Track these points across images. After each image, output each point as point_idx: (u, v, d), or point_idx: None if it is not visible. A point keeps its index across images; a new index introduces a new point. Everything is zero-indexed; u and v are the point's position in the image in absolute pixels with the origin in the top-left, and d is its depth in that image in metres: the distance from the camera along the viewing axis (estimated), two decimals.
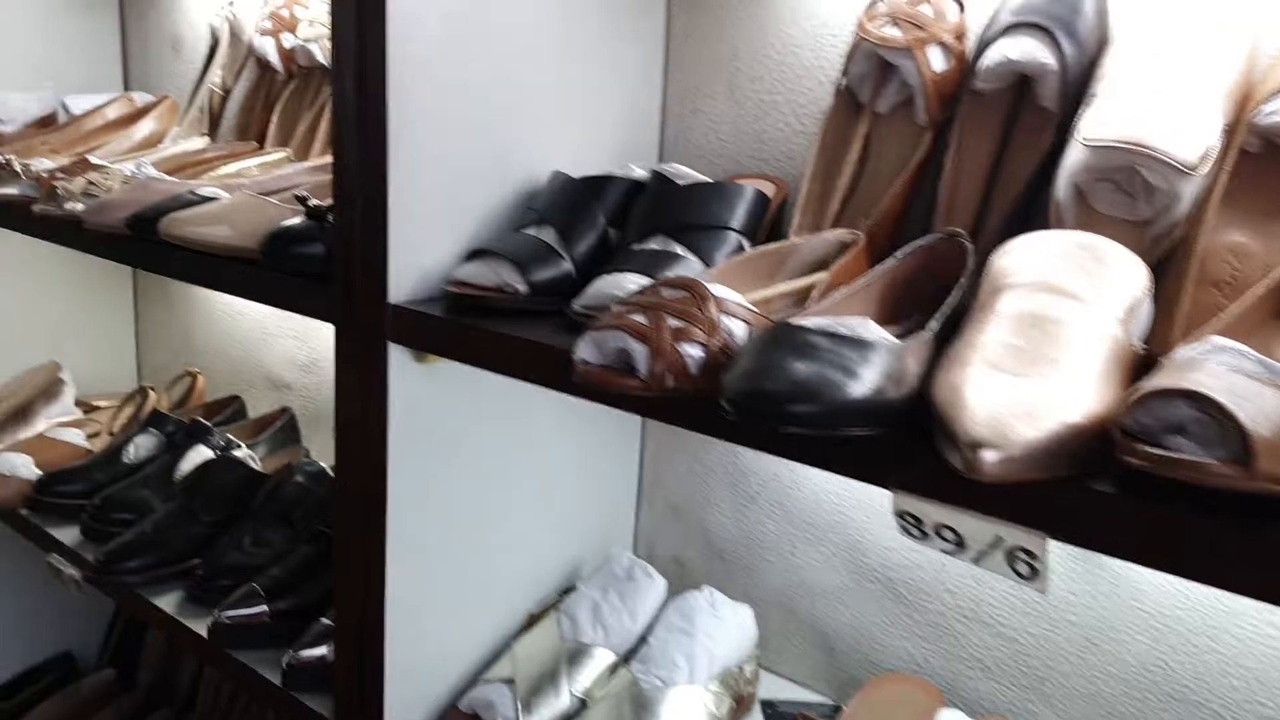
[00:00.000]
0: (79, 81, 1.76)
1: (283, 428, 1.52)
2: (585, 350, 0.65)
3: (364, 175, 0.87)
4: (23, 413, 1.67)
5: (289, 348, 1.63)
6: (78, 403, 1.74)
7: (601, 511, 1.18)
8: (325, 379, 1.58)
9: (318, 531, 1.23)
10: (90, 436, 1.64)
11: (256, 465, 1.37)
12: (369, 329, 0.90)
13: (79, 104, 1.64)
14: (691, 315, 0.64)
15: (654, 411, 0.67)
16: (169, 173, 1.30)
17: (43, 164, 1.33)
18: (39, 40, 1.72)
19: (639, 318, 0.64)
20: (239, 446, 1.43)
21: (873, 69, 0.89)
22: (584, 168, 1.00)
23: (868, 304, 0.71)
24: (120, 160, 1.41)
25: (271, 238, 0.94)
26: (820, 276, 0.78)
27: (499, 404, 1.00)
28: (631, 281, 0.79)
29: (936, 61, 0.85)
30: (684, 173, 0.89)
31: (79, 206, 1.19)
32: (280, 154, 1.35)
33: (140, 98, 1.63)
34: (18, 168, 1.33)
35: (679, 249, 0.84)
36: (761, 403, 0.54)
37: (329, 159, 1.27)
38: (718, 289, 0.66)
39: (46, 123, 1.67)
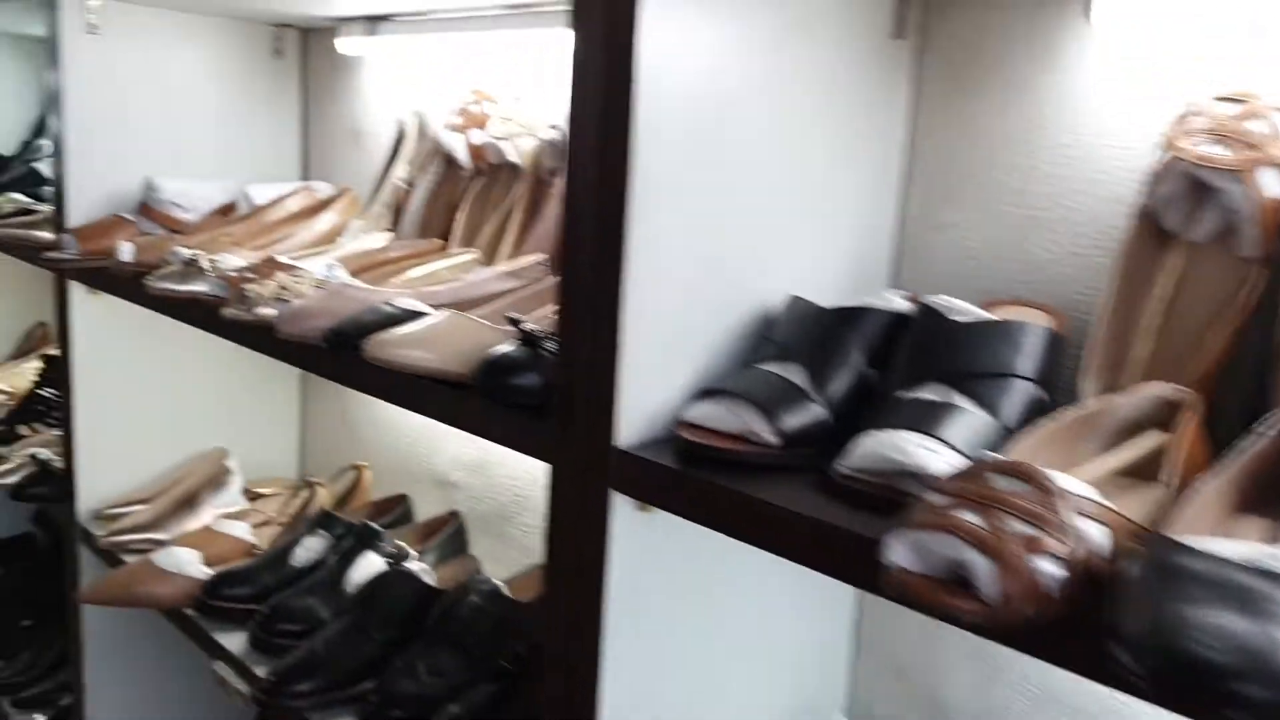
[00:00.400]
0: (259, 168, 1.77)
1: (452, 535, 1.45)
2: (901, 554, 0.54)
3: (598, 299, 0.78)
4: (190, 502, 1.66)
5: (457, 445, 1.57)
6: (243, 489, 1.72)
7: (810, 666, 1.06)
8: (493, 480, 1.51)
9: (498, 666, 1.14)
10: (256, 526, 1.60)
11: (429, 579, 1.30)
12: (592, 474, 0.81)
13: (260, 193, 1.63)
14: (1041, 518, 0.52)
15: (997, 637, 0.55)
16: (356, 273, 1.26)
17: (231, 261, 1.30)
18: (221, 127, 1.74)
19: (972, 518, 0.52)
20: (410, 556, 1.36)
21: (1185, 191, 0.76)
22: (812, 290, 0.90)
23: (1234, 500, 0.58)
24: (304, 255, 1.38)
25: (487, 367, 0.86)
26: (1150, 445, 0.66)
27: (712, 550, 0.90)
28: (911, 443, 0.67)
29: (1272, 186, 0.72)
30: (956, 306, 0.78)
31: (269, 311, 1.15)
32: (468, 255, 1.29)
33: (321, 188, 1.61)
34: (205, 265, 1.30)
35: (961, 400, 0.72)
36: (1194, 674, 0.41)
37: (521, 263, 1.21)
38: (1064, 480, 0.54)
39: (227, 211, 1.67)
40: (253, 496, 1.73)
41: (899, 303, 0.83)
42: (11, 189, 2.06)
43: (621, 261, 0.77)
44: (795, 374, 0.79)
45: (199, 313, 1.27)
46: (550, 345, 0.88)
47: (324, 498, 1.63)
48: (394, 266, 1.29)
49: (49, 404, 2.11)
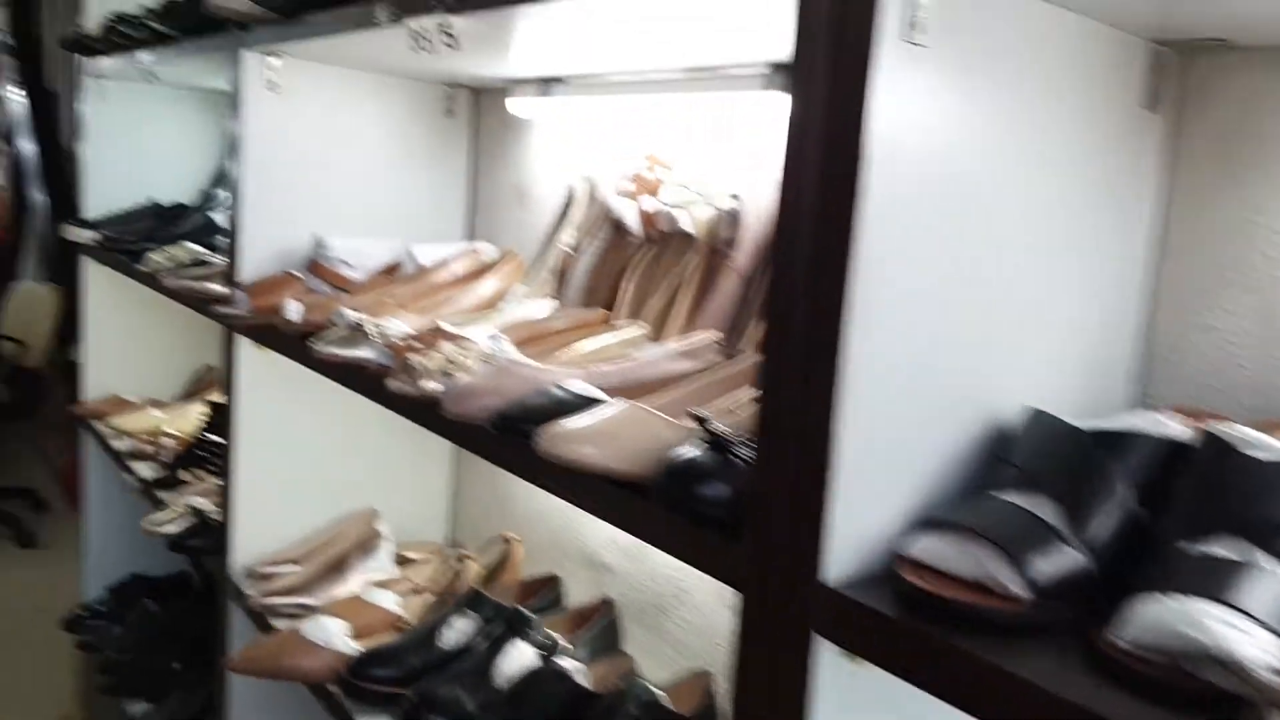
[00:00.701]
0: (425, 226, 1.75)
1: (605, 627, 1.36)
2: None
3: (808, 401, 0.68)
4: (339, 566, 1.62)
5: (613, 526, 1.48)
6: None
7: None
8: (649, 568, 1.41)
9: None
10: (404, 595, 1.55)
11: (582, 679, 1.20)
12: (791, 611, 0.70)
13: (425, 253, 1.60)
14: None
15: None
16: (521, 344, 1.19)
17: (397, 328, 1.26)
18: (391, 185, 1.73)
19: None
20: (561, 648, 1.27)
21: None
22: (1044, 398, 0.77)
23: None
24: (466, 320, 1.33)
25: (669, 472, 0.77)
26: None
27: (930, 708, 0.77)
28: (1212, 617, 0.54)
29: None
30: (1252, 438, 0.64)
31: (435, 385, 1.09)
32: (637, 330, 1.21)
33: (485, 249, 1.57)
34: (371, 330, 1.27)
35: (1265, 561, 0.58)
36: None
37: (694, 342, 1.12)
38: None
39: (392, 270, 1.65)
40: (401, 560, 1.69)
41: (1174, 428, 0.69)
42: (189, 238, 2.11)
43: (837, 357, 0.66)
44: (1045, 509, 0.66)
45: (363, 381, 1.23)
46: (743, 451, 0.78)
47: (473, 571, 1.57)
48: (559, 339, 1.23)
49: (211, 449, 2.14)
